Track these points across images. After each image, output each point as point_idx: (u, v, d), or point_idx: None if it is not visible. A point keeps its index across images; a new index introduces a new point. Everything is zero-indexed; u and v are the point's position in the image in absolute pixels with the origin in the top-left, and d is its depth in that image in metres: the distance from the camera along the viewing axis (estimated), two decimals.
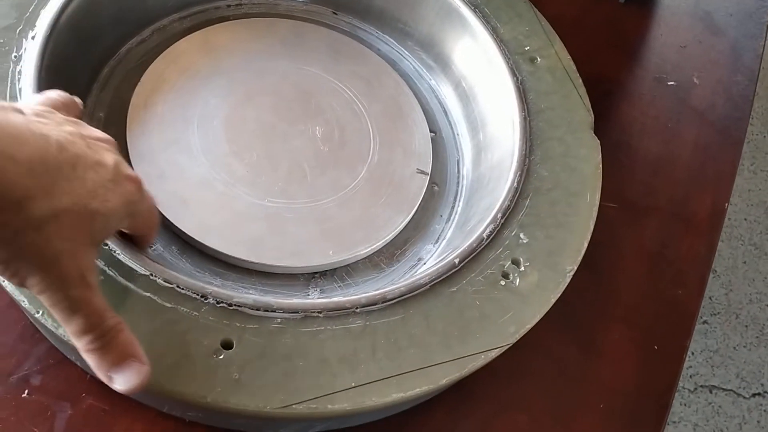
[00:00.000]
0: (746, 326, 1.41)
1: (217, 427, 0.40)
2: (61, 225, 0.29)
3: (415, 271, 0.46)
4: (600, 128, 0.50)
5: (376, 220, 0.47)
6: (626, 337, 0.49)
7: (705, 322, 1.40)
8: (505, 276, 0.41)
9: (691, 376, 1.33)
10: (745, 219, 1.54)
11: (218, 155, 0.46)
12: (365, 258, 0.46)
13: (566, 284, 0.42)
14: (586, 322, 0.49)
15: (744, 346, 1.38)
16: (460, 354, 0.38)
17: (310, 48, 0.54)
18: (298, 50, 0.53)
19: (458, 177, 0.52)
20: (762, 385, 1.34)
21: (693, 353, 1.36)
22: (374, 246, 0.46)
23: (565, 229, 0.44)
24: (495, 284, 0.41)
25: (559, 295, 0.41)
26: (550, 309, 0.41)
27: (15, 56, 0.42)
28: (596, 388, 0.46)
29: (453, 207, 0.50)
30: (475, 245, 0.42)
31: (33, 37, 0.43)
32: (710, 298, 1.43)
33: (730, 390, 1.33)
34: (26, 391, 0.39)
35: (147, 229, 0.38)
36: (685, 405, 1.29)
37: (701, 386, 1.32)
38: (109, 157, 0.32)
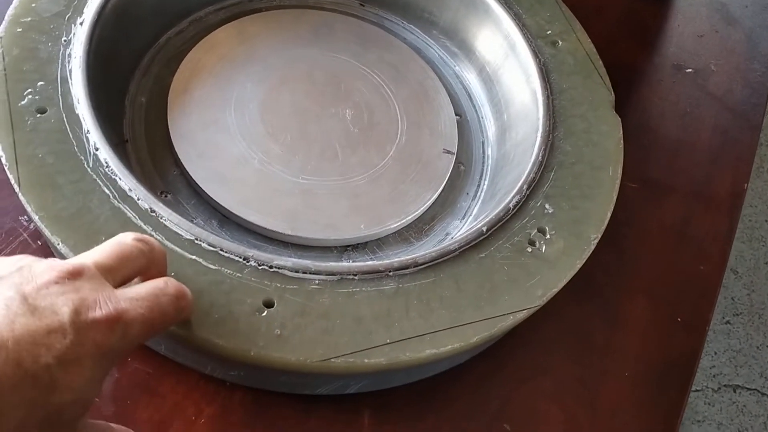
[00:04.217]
0: None
1: (257, 389, 0.42)
2: None
3: None
4: (620, 112, 0.52)
5: (405, 197, 0.49)
6: (650, 310, 0.50)
7: (727, 322, 1.40)
8: (532, 243, 0.43)
9: (714, 376, 1.33)
10: (766, 221, 1.54)
11: (255, 135, 0.48)
12: (395, 232, 0.48)
13: (591, 251, 0.43)
14: (610, 296, 0.50)
15: (767, 346, 1.38)
16: (489, 314, 0.40)
17: (340, 37, 0.56)
18: (328, 39, 0.55)
19: (483, 157, 0.53)
20: None
21: (716, 353, 1.35)
22: (404, 221, 0.48)
23: (589, 200, 0.45)
24: (522, 251, 0.43)
25: (584, 260, 0.43)
26: (575, 281, 0.43)
27: (65, 40, 0.44)
28: (621, 357, 0.48)
29: (479, 185, 0.52)
30: (502, 214, 0.44)
31: (81, 23, 0.45)
32: (732, 298, 1.42)
33: (755, 389, 1.32)
34: None
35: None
36: (709, 404, 1.29)
37: (725, 386, 1.32)
38: (63, 309, 0.26)
